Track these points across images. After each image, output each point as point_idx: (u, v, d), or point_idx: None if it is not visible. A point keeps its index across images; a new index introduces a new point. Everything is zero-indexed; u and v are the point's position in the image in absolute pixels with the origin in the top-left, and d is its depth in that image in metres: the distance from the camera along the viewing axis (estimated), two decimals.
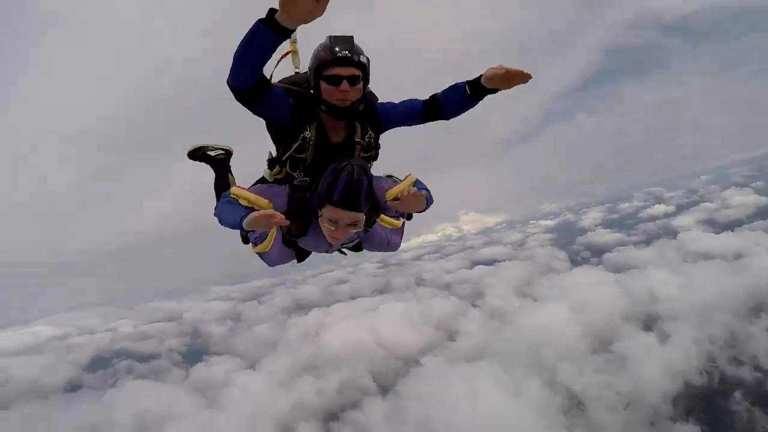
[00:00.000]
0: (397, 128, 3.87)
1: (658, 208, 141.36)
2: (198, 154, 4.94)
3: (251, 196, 3.44)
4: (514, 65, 3.22)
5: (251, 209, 3.28)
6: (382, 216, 4.03)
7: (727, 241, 78.48)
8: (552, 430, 48.52)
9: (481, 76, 3.36)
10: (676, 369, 51.32)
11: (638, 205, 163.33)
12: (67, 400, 72.44)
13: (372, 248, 4.39)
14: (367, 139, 3.65)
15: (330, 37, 3.32)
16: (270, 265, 4.47)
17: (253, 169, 4.02)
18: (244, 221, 3.06)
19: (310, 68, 3.42)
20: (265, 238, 4.04)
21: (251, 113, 3.36)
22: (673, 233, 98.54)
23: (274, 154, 3.80)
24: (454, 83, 3.59)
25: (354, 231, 3.33)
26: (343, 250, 4.32)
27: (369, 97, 3.68)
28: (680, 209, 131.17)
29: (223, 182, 4.74)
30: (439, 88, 3.66)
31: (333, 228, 3.25)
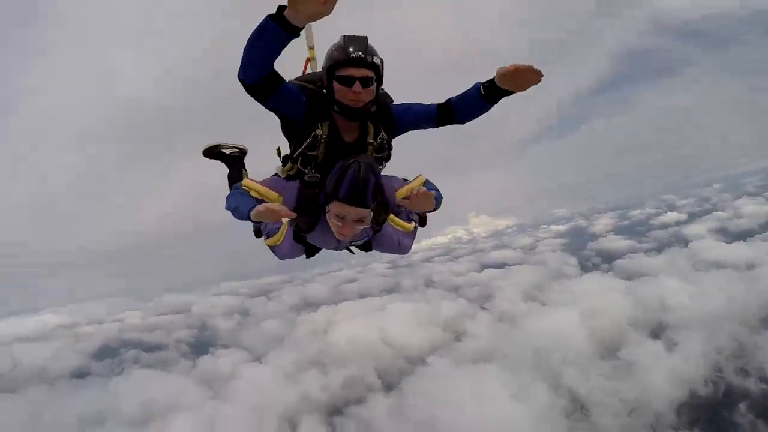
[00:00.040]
0: (416, 131, 3.87)
1: (670, 216, 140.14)
2: (213, 152, 5.01)
3: (261, 188, 3.51)
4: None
5: (261, 201, 3.34)
6: (394, 218, 4.08)
7: (738, 250, 77.71)
8: None
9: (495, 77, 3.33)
10: (682, 378, 50.92)
11: (650, 212, 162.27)
12: (74, 387, 72.71)
13: (382, 249, 4.41)
14: (379, 140, 3.66)
15: (344, 36, 3.35)
16: (280, 258, 4.54)
17: (261, 171, 4.04)
18: (252, 212, 3.11)
19: (323, 67, 3.45)
20: (277, 232, 4.11)
21: (264, 108, 3.39)
22: (684, 241, 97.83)
23: (283, 150, 3.87)
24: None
25: (361, 228, 3.36)
26: (352, 248, 4.37)
27: (383, 99, 3.71)
28: (692, 217, 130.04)
29: (237, 176, 4.78)
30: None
31: (340, 224, 3.29)
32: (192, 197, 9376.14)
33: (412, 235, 4.39)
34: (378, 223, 3.81)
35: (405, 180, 3.80)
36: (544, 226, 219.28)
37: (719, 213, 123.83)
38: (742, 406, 47.99)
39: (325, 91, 3.52)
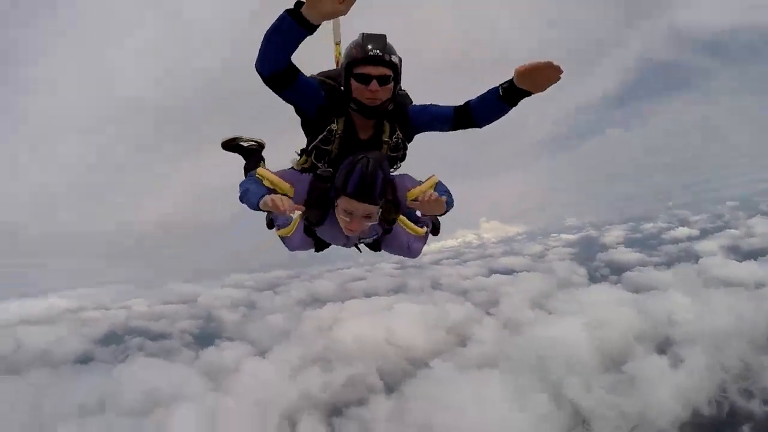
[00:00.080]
0: (436, 134, 3.86)
1: (682, 231, 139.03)
2: (231, 144, 5.05)
3: (274, 178, 3.53)
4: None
5: (273, 191, 3.37)
6: (406, 221, 4.09)
7: (749, 269, 77.00)
8: None
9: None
10: (686, 395, 50.38)
11: (662, 226, 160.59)
12: (77, 371, 73.06)
13: (392, 251, 4.42)
14: (394, 139, 3.68)
15: (363, 34, 3.37)
16: (290, 250, 4.58)
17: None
18: (260, 202, 3.13)
19: (341, 64, 3.47)
20: (289, 224, 4.15)
21: (281, 99, 3.42)
22: (695, 257, 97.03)
23: (300, 146, 3.89)
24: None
25: (368, 224, 3.37)
26: (360, 246, 4.37)
27: (401, 98, 3.71)
28: (704, 234, 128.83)
29: (254, 168, 4.83)
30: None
31: (348, 219, 3.30)
32: (192, 197, 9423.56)
33: (423, 240, 4.40)
34: (388, 222, 3.79)
35: (418, 181, 3.80)
36: (555, 234, 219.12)
37: (732, 231, 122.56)
38: (746, 428, 47.49)
39: (342, 88, 3.52)
